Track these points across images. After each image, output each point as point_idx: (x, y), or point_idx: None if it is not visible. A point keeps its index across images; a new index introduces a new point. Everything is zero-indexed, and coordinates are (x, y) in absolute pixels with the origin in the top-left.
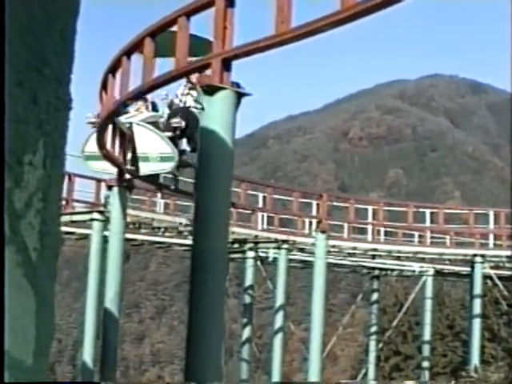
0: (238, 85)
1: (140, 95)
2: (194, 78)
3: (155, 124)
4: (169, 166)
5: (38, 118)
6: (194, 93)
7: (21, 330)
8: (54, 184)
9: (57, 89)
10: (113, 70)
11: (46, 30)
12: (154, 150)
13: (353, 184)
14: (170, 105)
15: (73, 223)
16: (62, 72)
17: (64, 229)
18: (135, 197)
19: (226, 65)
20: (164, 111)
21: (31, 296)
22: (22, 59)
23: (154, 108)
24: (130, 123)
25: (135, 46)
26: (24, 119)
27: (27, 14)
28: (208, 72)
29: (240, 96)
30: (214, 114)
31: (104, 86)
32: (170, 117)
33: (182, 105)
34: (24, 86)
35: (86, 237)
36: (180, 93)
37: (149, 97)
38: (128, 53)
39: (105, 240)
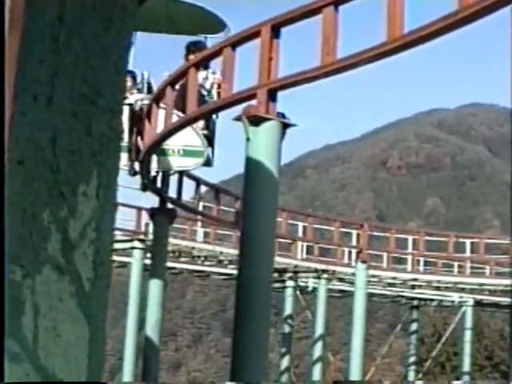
0: (283, 115)
1: (184, 126)
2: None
3: None
4: (194, 162)
5: (91, 148)
6: (213, 78)
7: (74, 359)
8: (107, 214)
9: (110, 119)
10: (157, 99)
11: (101, 62)
12: (176, 142)
13: (391, 213)
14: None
15: (113, 251)
16: (115, 103)
17: None
18: (175, 225)
19: (272, 95)
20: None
21: (84, 326)
22: (78, 91)
23: (150, 90)
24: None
25: (181, 75)
26: (78, 150)
27: (83, 47)
28: (253, 102)
29: (285, 127)
30: (260, 145)
31: (148, 116)
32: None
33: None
34: (79, 116)
35: (125, 265)
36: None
37: (145, 74)
38: (173, 83)
39: (144, 268)
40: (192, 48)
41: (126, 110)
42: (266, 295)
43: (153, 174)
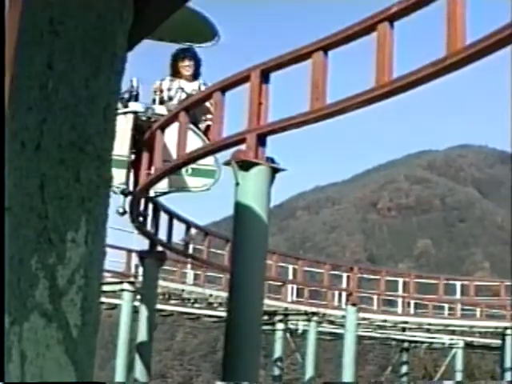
0: (272, 160)
1: (173, 170)
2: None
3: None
4: (204, 183)
5: (80, 195)
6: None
7: None
8: (96, 260)
9: (99, 167)
10: (148, 143)
11: (89, 109)
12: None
13: (381, 254)
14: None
15: (102, 293)
16: (104, 150)
17: None
18: (165, 267)
19: (261, 140)
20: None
21: (71, 372)
22: (66, 137)
23: (137, 98)
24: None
25: (171, 120)
26: (67, 196)
27: (72, 94)
28: (243, 147)
29: (275, 171)
30: (249, 190)
31: (137, 158)
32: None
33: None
34: (67, 163)
35: (115, 307)
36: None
37: (134, 81)
38: (163, 127)
39: (133, 310)
40: (181, 55)
41: (129, 118)
42: (256, 338)
43: (152, 194)
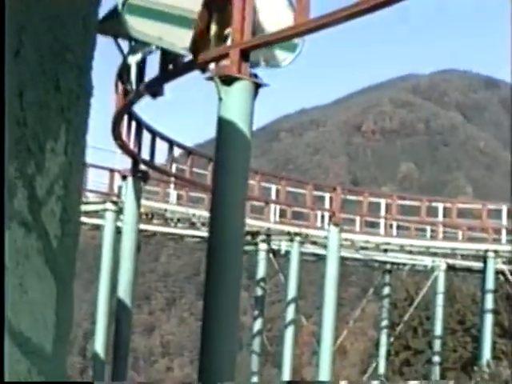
0: (255, 75)
1: (156, 86)
2: None
3: None
4: (285, 57)
5: (59, 104)
6: None
7: (41, 316)
8: (75, 171)
9: (79, 76)
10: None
11: (69, 17)
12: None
13: (365, 178)
14: None
15: (85, 214)
16: (84, 60)
17: None
18: (148, 188)
19: (244, 55)
20: None
21: (51, 283)
22: (46, 44)
23: None
24: None
25: None
26: (46, 105)
27: (51, 2)
28: (226, 62)
29: (257, 87)
30: (232, 105)
31: (120, 77)
32: None
33: None
34: (46, 72)
35: (98, 227)
36: None
37: None
38: None
39: (117, 230)
40: None
41: None
42: (237, 256)
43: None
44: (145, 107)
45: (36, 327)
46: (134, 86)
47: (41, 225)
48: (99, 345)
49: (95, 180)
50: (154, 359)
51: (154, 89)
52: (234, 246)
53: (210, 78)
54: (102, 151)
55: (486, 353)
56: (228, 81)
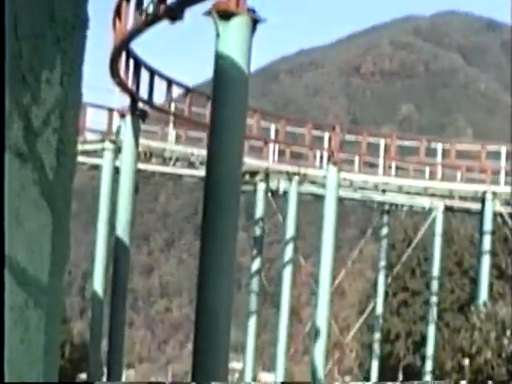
0: (253, 11)
1: (177, 10)
2: None
3: None
4: None
5: (55, 34)
6: None
7: (37, 247)
8: (71, 103)
9: (74, 7)
10: None
11: None
12: None
13: (364, 118)
14: None
15: (84, 153)
16: None
17: None
18: (147, 128)
19: None
20: None
21: (47, 213)
22: None
23: None
24: None
25: None
26: (42, 35)
27: None
28: None
29: (255, 22)
30: (230, 40)
31: (118, 13)
32: None
33: None
34: (42, 2)
35: (97, 167)
36: None
37: None
38: None
39: (116, 171)
40: None
41: None
42: (235, 193)
43: None
44: (142, 45)
45: (32, 258)
46: (151, 9)
47: (36, 156)
48: (98, 285)
49: (94, 120)
50: (153, 300)
51: (174, 12)
52: (232, 183)
53: (208, 13)
54: (100, 91)
55: (483, 294)
56: (226, 16)
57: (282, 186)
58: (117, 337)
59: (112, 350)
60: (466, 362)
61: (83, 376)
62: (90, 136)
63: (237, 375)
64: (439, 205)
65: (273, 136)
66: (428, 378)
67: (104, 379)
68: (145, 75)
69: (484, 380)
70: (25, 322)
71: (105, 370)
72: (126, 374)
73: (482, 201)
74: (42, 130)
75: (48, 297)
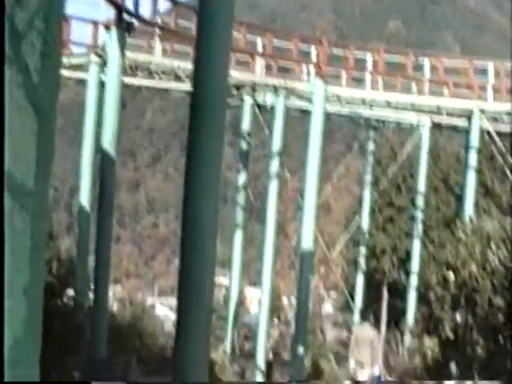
0: None
1: None
2: None
3: None
4: None
5: None
6: None
7: (21, 150)
8: (56, 5)
9: None
10: None
11: None
12: None
13: (352, 34)
14: None
15: (69, 67)
16: None
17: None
18: (133, 42)
19: None
20: None
21: (32, 116)
22: None
23: None
24: None
25: None
26: None
27: None
28: None
29: None
30: None
31: None
32: None
33: None
34: None
35: (83, 82)
36: None
37: None
38: None
39: (101, 85)
40: None
41: None
42: (221, 107)
43: None
44: None
45: (16, 161)
46: None
47: (21, 58)
48: (85, 201)
49: (79, 33)
50: (140, 216)
51: None
52: (218, 95)
53: None
54: (86, 3)
55: (469, 210)
56: None
57: (269, 99)
58: (104, 252)
59: (99, 266)
60: (451, 275)
61: (70, 292)
62: (75, 50)
63: (223, 291)
64: (426, 121)
65: (260, 50)
66: (412, 292)
67: (91, 295)
68: None
69: (468, 293)
70: (11, 226)
71: (92, 286)
72: (113, 290)
73: (469, 117)
74: (26, 32)
75: (33, 199)
